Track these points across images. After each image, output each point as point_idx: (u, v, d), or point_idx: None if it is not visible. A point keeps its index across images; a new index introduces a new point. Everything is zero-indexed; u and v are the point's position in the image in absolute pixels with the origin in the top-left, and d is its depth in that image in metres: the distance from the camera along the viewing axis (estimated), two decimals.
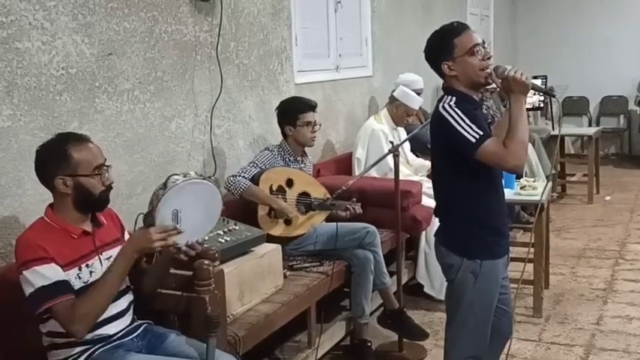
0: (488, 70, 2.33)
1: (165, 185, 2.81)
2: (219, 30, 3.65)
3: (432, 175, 2.60)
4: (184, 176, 2.76)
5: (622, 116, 9.30)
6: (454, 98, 2.33)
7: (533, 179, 4.64)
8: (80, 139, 2.16)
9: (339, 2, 5.03)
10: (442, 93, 2.45)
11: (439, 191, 2.51)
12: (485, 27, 8.56)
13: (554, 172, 6.73)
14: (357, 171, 4.56)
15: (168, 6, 3.31)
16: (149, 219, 2.27)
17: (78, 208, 2.15)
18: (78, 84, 2.83)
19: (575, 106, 9.46)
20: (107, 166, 2.20)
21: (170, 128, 3.39)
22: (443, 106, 2.31)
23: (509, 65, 2.38)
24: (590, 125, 9.23)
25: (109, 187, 2.20)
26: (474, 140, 2.22)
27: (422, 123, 5.38)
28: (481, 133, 2.23)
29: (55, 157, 2.11)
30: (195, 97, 3.54)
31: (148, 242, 2.08)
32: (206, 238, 2.47)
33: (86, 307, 2.02)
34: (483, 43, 2.38)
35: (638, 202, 6.75)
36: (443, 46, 2.38)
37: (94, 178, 2.13)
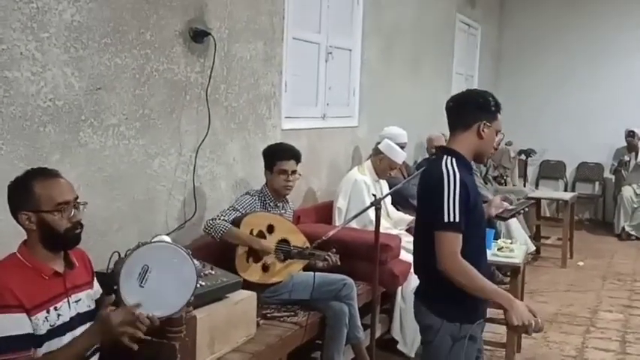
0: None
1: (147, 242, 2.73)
2: (211, 72, 3.66)
3: (416, 231, 2.59)
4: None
5: (597, 183, 9.47)
6: (455, 159, 2.35)
7: (510, 241, 4.67)
8: (48, 175, 2.10)
9: (330, 52, 5.10)
10: (430, 153, 2.48)
11: (422, 249, 2.49)
12: (469, 86, 8.70)
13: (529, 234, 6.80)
14: (337, 221, 4.54)
15: (162, 45, 3.31)
16: (119, 265, 2.18)
17: (45, 245, 2.08)
18: (64, 116, 2.80)
19: (552, 170, 9.61)
20: (79, 202, 2.13)
21: (153, 166, 3.35)
22: (446, 165, 2.33)
23: None
24: (565, 189, 9.37)
25: (77, 225, 2.11)
26: (445, 220, 2.26)
27: (404, 176, 5.43)
28: (457, 221, 2.25)
29: (20, 192, 2.06)
30: (180, 137, 3.52)
31: (112, 330, 1.97)
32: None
33: None
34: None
35: (611, 269, 6.80)
36: (489, 109, 2.43)
37: (55, 214, 2.05)
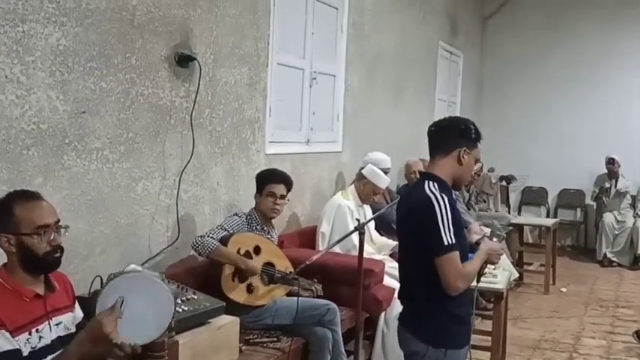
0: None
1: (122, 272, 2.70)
2: (196, 96, 3.67)
3: (400, 257, 2.60)
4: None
5: (579, 209, 9.55)
6: (436, 184, 2.38)
7: (493, 267, 4.68)
8: (29, 197, 2.09)
9: (315, 78, 5.14)
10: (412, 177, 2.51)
11: (407, 275, 2.50)
12: (452, 113, 8.81)
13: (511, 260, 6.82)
14: (321, 245, 4.54)
15: (147, 69, 3.33)
16: (94, 299, 2.15)
17: (25, 268, 2.06)
18: (47, 139, 2.79)
19: (534, 196, 9.70)
20: (60, 226, 2.12)
21: (136, 190, 3.34)
22: (430, 189, 2.35)
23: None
24: (548, 216, 9.44)
25: (57, 249, 2.09)
26: (445, 244, 2.29)
27: (387, 202, 5.44)
28: (455, 242, 2.29)
29: (0, 214, 2.05)
30: (164, 160, 3.52)
31: (101, 329, 1.91)
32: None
33: None
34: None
35: (593, 295, 6.85)
36: (470, 136, 2.47)
37: (34, 237, 2.03)
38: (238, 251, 3.45)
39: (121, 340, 1.95)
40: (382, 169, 4.89)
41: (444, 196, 2.33)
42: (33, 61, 2.70)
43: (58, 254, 2.11)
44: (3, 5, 2.56)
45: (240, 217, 3.62)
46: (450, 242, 2.29)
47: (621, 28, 9.06)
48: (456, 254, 2.31)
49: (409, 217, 2.46)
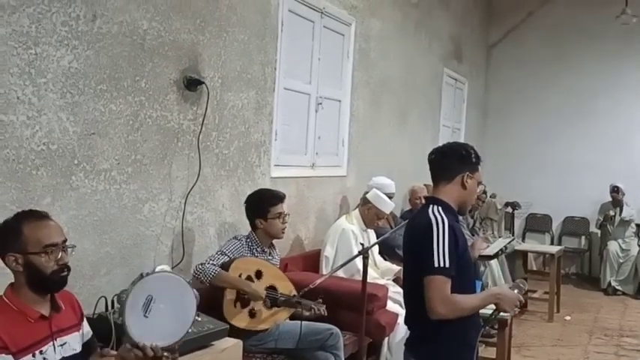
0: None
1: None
2: (203, 119, 3.72)
3: (406, 282, 2.59)
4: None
5: (583, 237, 9.52)
6: (441, 207, 2.41)
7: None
8: (37, 217, 2.12)
9: (320, 103, 5.19)
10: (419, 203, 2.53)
11: (414, 300, 2.46)
12: (456, 139, 8.83)
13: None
14: (324, 269, 4.54)
15: (156, 92, 3.38)
16: (123, 296, 2.21)
17: (32, 288, 2.08)
18: (57, 160, 2.83)
19: (538, 223, 9.68)
20: (67, 245, 2.14)
21: (143, 211, 3.37)
22: (433, 212, 2.37)
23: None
24: (552, 243, 9.41)
25: (63, 268, 2.11)
26: (435, 265, 2.28)
27: (391, 226, 5.45)
28: (447, 266, 2.28)
29: (8, 234, 2.07)
30: (171, 182, 3.55)
31: None
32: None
33: None
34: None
35: (597, 324, 6.80)
36: (471, 160, 2.50)
37: (42, 256, 2.05)
38: (240, 276, 3.45)
39: (143, 342, 1.99)
40: (386, 194, 4.91)
41: (444, 219, 2.35)
42: (44, 83, 2.75)
43: (65, 273, 2.13)
44: (17, 28, 2.61)
45: (239, 240, 3.62)
46: (440, 265, 2.27)
47: (624, 61, 9.11)
48: (444, 279, 2.28)
49: (410, 242, 2.48)
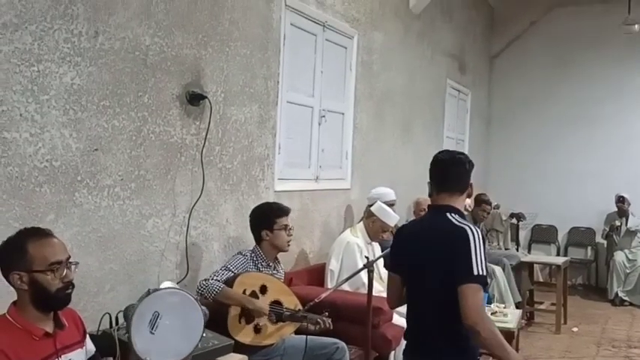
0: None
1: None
2: (206, 134, 3.71)
3: (421, 290, 2.52)
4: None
5: (589, 248, 9.48)
6: (458, 215, 2.46)
7: (503, 305, 4.65)
8: (41, 234, 2.12)
9: (324, 116, 5.19)
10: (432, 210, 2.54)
11: (436, 308, 2.43)
12: (460, 150, 8.83)
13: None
14: (329, 283, 4.52)
15: (159, 108, 3.38)
16: (130, 310, 2.19)
17: (36, 306, 2.08)
18: (60, 177, 2.82)
19: (544, 234, 9.64)
20: (71, 262, 2.14)
21: (146, 227, 3.36)
22: (458, 221, 2.41)
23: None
24: (558, 254, 9.37)
25: (68, 285, 2.11)
26: (474, 273, 2.27)
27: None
28: (484, 274, 2.28)
29: (12, 252, 2.07)
30: (175, 198, 3.54)
31: None
32: None
33: None
34: None
35: (605, 335, 6.74)
36: (471, 171, 2.57)
37: (48, 274, 2.05)
38: (244, 292, 3.42)
39: (149, 359, 1.98)
40: (387, 202, 4.90)
41: (476, 227, 2.40)
42: (47, 100, 2.75)
43: (69, 290, 2.13)
44: (19, 45, 2.62)
45: (244, 255, 3.60)
46: (479, 272, 2.27)
47: (627, 68, 9.12)
48: (481, 288, 2.29)
49: (435, 246, 2.41)
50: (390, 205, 4.92)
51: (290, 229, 3.72)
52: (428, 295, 2.48)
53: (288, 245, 3.74)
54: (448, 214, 2.43)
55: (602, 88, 9.24)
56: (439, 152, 2.66)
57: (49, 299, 2.07)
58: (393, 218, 4.77)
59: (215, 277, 3.38)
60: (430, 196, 2.78)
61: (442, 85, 8.00)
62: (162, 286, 2.73)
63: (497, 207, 7.65)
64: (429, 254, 2.45)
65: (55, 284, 2.06)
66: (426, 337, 2.51)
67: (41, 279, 2.04)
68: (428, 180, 2.69)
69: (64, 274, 2.09)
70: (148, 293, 2.22)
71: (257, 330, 3.42)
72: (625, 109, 9.17)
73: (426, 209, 2.67)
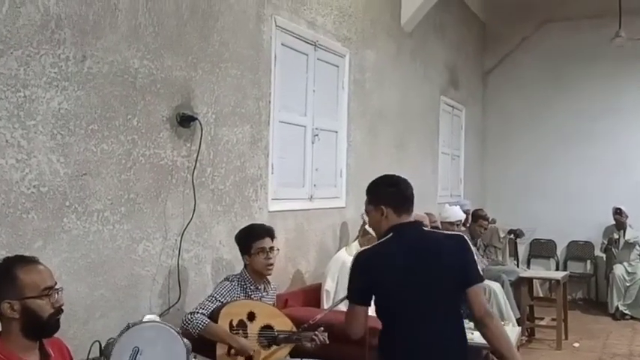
0: None
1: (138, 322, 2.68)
2: (197, 155, 3.69)
3: (421, 309, 2.56)
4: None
5: (589, 261, 9.41)
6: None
7: (503, 322, 4.58)
8: (28, 261, 2.09)
9: (317, 135, 5.17)
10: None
11: (445, 322, 2.57)
12: (455, 166, 8.83)
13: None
14: (325, 303, 4.47)
15: (149, 130, 3.35)
16: (109, 348, 2.13)
17: (25, 334, 2.04)
18: (47, 202, 2.79)
19: (542, 249, 9.59)
20: (57, 289, 2.11)
21: (137, 251, 3.31)
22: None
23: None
24: (557, 268, 9.31)
25: (59, 311, 2.09)
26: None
27: None
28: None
29: (1, 281, 2.02)
30: (166, 221, 3.51)
31: None
32: None
33: None
34: None
35: (606, 350, 6.67)
36: None
37: (42, 299, 2.03)
38: (231, 322, 3.32)
39: None
40: None
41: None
42: (34, 125, 2.72)
43: (59, 316, 2.11)
44: (4, 71, 2.60)
45: (231, 281, 3.51)
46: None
47: (620, 83, 9.13)
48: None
49: (440, 257, 2.55)
50: None
51: (269, 250, 3.56)
52: (440, 306, 2.56)
53: (268, 268, 3.57)
54: (424, 228, 2.62)
55: (596, 102, 9.25)
56: (386, 176, 2.83)
57: (42, 326, 2.04)
58: None
59: (201, 310, 3.29)
60: (373, 217, 2.75)
61: (436, 101, 8.00)
62: (144, 319, 2.65)
63: (493, 221, 7.61)
64: (434, 266, 2.54)
65: (47, 310, 2.04)
66: (450, 344, 2.57)
67: (34, 305, 2.01)
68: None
69: (56, 299, 2.07)
70: (128, 328, 2.17)
71: (248, 359, 3.34)
72: (619, 122, 9.16)
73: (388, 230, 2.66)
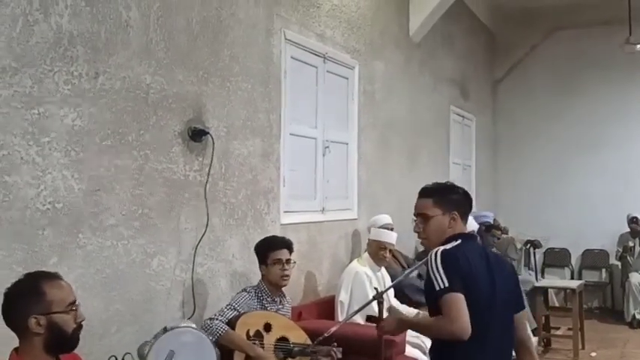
0: None
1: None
2: (209, 169, 3.70)
3: (489, 322, 2.45)
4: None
5: (604, 270, 9.33)
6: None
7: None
8: (52, 277, 2.11)
9: (327, 147, 5.18)
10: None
11: (508, 343, 2.56)
12: (467, 176, 8.80)
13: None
14: (339, 315, 4.46)
15: (160, 145, 3.37)
16: (145, 347, 2.16)
17: (48, 349, 2.04)
18: (62, 218, 2.80)
19: (557, 258, 9.51)
20: (78, 304, 2.13)
21: (152, 265, 3.32)
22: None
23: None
24: (572, 277, 9.23)
25: (80, 326, 2.12)
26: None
27: (404, 266, 5.38)
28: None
29: (28, 296, 2.03)
30: (179, 235, 3.52)
31: None
32: None
33: None
34: None
35: (625, 359, 6.59)
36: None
37: (68, 314, 2.05)
38: (248, 332, 3.35)
39: None
40: (383, 226, 5.06)
41: None
42: (48, 142, 2.75)
43: (80, 331, 2.12)
44: (19, 89, 2.63)
45: (248, 292, 3.56)
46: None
47: (632, 89, 9.10)
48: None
49: (504, 274, 2.54)
50: (389, 228, 5.00)
51: (285, 262, 3.63)
52: (503, 325, 2.50)
53: (284, 279, 3.63)
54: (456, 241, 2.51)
55: (608, 108, 9.21)
56: (445, 183, 2.74)
57: (66, 341, 2.06)
58: (386, 234, 4.81)
59: (220, 317, 3.32)
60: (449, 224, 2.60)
61: (446, 111, 7.99)
62: (180, 325, 2.69)
63: (505, 231, 7.56)
64: (501, 282, 2.47)
65: (71, 325, 2.06)
66: None
67: (60, 320, 2.03)
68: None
69: (78, 314, 2.10)
70: (165, 331, 2.20)
71: None
72: (631, 128, 9.13)
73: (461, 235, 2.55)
